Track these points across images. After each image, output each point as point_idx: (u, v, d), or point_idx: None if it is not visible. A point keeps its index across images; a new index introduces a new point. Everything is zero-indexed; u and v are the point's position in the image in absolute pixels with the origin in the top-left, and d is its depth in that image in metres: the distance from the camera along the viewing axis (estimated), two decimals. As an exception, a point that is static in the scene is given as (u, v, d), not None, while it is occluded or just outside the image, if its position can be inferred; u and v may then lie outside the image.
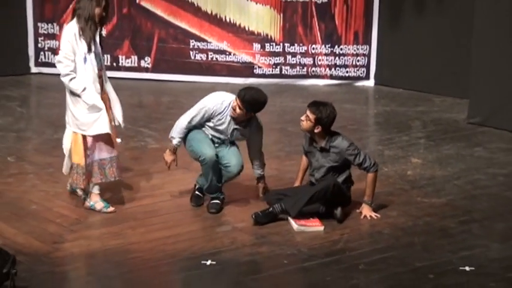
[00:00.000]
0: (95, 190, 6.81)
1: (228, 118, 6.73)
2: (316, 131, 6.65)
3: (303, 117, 6.67)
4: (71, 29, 6.51)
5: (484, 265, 6.09)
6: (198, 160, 6.81)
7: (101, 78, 6.66)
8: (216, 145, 6.80)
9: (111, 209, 6.83)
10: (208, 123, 6.77)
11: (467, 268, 6.03)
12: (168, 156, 6.89)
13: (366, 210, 6.74)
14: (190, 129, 6.79)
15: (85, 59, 6.52)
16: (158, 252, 6.20)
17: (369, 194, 6.72)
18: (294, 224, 6.63)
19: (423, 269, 6.05)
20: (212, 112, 6.72)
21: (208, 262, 6.04)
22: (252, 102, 6.62)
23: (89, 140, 6.66)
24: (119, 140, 7.08)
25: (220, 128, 6.77)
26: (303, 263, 6.11)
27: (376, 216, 6.73)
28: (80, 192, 6.83)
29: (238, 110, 6.63)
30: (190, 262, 6.06)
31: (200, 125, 6.78)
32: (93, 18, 6.51)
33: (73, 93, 6.59)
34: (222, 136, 6.80)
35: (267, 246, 6.34)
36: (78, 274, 6.03)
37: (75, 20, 6.54)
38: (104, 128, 6.60)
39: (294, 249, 6.30)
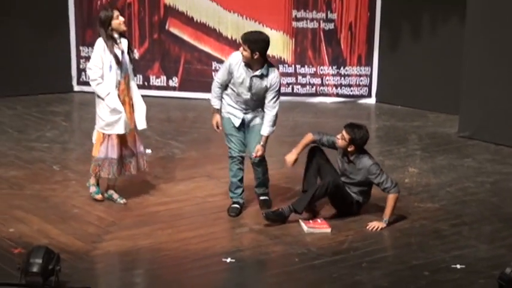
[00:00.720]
0: (95, 176, 6.94)
1: (244, 68, 6.57)
2: (349, 149, 6.64)
3: (339, 136, 6.65)
4: (101, 42, 6.69)
5: (473, 263, 6.06)
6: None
7: (124, 85, 6.74)
8: (247, 114, 6.69)
9: (99, 196, 6.94)
10: (232, 81, 6.63)
11: (458, 266, 6.00)
12: (213, 120, 6.84)
13: (377, 223, 6.61)
14: (223, 89, 6.69)
15: (110, 67, 6.67)
16: (184, 251, 6.19)
17: (386, 213, 6.59)
18: (304, 226, 6.61)
19: (419, 266, 6.02)
20: (229, 64, 6.61)
21: (228, 260, 6.03)
22: (251, 40, 6.48)
23: (106, 138, 6.75)
24: (149, 151, 7.13)
25: (239, 79, 6.60)
26: (313, 261, 6.09)
27: (380, 228, 6.59)
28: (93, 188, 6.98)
29: (244, 53, 6.51)
30: (212, 260, 6.05)
31: (227, 85, 6.66)
32: (111, 35, 6.66)
33: (99, 97, 6.73)
34: (245, 92, 6.60)
35: (281, 246, 6.33)
36: (114, 270, 6.04)
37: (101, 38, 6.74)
38: (120, 129, 6.73)
39: (304, 249, 6.28)
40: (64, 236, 6.35)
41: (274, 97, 6.64)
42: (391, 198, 6.59)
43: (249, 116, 6.76)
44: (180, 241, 6.35)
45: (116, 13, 6.69)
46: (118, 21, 6.69)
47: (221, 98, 6.76)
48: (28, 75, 10.24)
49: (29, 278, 5.28)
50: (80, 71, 10.56)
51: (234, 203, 6.87)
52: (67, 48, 10.45)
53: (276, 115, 6.71)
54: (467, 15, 8.93)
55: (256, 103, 6.70)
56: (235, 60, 6.60)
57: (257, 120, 6.76)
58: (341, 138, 6.64)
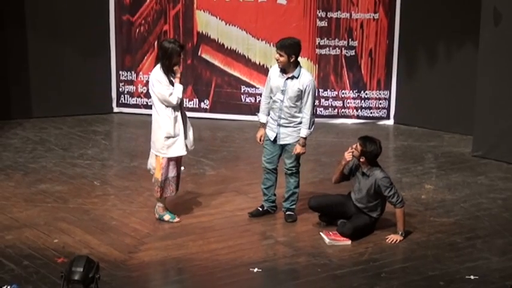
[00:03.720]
0: (161, 204, 6.85)
1: (280, 73, 6.75)
2: (361, 160, 6.62)
3: (354, 146, 6.65)
4: (161, 73, 6.64)
5: (486, 274, 6.01)
6: None
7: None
8: (281, 127, 6.77)
9: (177, 219, 6.86)
10: (270, 88, 6.80)
11: (472, 277, 5.95)
12: (257, 133, 7.01)
13: (395, 236, 6.60)
14: (268, 105, 6.85)
15: (171, 94, 6.68)
16: (214, 261, 6.19)
17: (399, 227, 6.60)
18: (326, 238, 6.59)
19: (435, 277, 5.97)
20: (269, 74, 6.86)
21: (255, 270, 6.02)
22: (287, 45, 6.66)
23: (164, 161, 6.72)
24: (182, 168, 7.12)
25: (275, 84, 6.77)
26: (334, 271, 6.06)
27: (398, 241, 6.57)
28: (158, 203, 6.88)
29: (280, 58, 6.68)
30: (240, 269, 6.05)
31: (270, 97, 6.83)
32: (171, 67, 6.69)
33: (156, 124, 6.66)
34: (280, 96, 6.72)
35: (304, 257, 6.31)
36: (149, 278, 6.06)
37: (159, 66, 6.68)
38: (181, 151, 6.71)
39: (326, 260, 6.25)
40: (103, 246, 6.39)
41: (307, 100, 6.73)
42: (398, 212, 6.58)
43: (282, 132, 6.82)
44: (210, 252, 6.35)
45: (180, 51, 6.65)
46: (179, 58, 6.67)
47: (267, 114, 6.90)
48: (72, 98, 10.34)
49: (71, 285, 5.30)
50: (120, 93, 10.64)
51: (260, 206, 7.04)
52: (108, 73, 10.54)
53: (312, 118, 6.80)
54: (480, 41, 8.88)
55: (289, 111, 6.76)
56: (273, 69, 6.88)
57: (289, 140, 6.83)
58: (355, 149, 6.64)
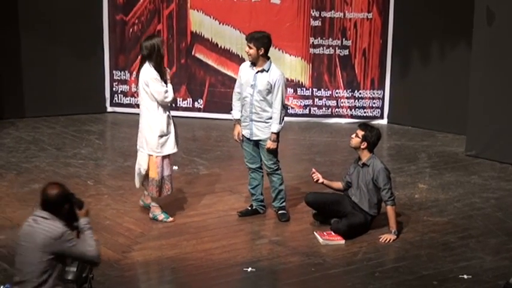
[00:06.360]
0: (155, 203, 6.83)
1: (250, 67, 6.76)
2: (362, 146, 6.61)
3: (353, 135, 6.66)
4: (153, 71, 6.61)
5: (479, 274, 6.02)
6: None
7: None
8: (253, 122, 6.77)
9: (170, 219, 6.85)
10: (240, 84, 6.81)
11: (465, 276, 5.96)
12: (234, 131, 7.00)
13: (388, 235, 6.60)
14: (239, 98, 6.84)
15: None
16: (208, 260, 6.19)
17: (391, 225, 6.60)
18: (320, 238, 6.59)
19: (428, 276, 5.98)
20: (239, 70, 6.88)
21: (249, 269, 6.02)
22: (256, 37, 6.69)
23: (158, 160, 6.71)
24: (175, 167, 7.11)
25: (245, 79, 6.77)
26: (328, 271, 6.06)
27: (392, 240, 6.58)
28: (152, 203, 6.87)
29: (250, 51, 6.71)
30: (234, 269, 6.05)
31: (241, 93, 6.83)
32: (161, 62, 6.70)
33: (148, 124, 6.64)
34: (250, 91, 6.73)
35: (298, 257, 6.31)
36: (142, 278, 6.05)
37: (148, 64, 6.63)
38: (173, 148, 6.72)
39: (320, 259, 6.25)
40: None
41: (277, 95, 6.73)
42: (389, 210, 6.59)
43: (254, 128, 6.82)
44: (203, 251, 6.35)
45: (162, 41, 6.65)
46: (164, 49, 6.70)
47: (240, 110, 6.89)
48: (66, 97, 10.31)
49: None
50: (113, 93, 10.62)
51: (249, 205, 7.06)
52: (101, 72, 10.51)
53: (282, 113, 6.77)
54: (474, 41, 8.90)
55: (259, 105, 6.76)
56: (244, 65, 6.90)
57: (262, 136, 6.83)
58: (355, 136, 6.64)
